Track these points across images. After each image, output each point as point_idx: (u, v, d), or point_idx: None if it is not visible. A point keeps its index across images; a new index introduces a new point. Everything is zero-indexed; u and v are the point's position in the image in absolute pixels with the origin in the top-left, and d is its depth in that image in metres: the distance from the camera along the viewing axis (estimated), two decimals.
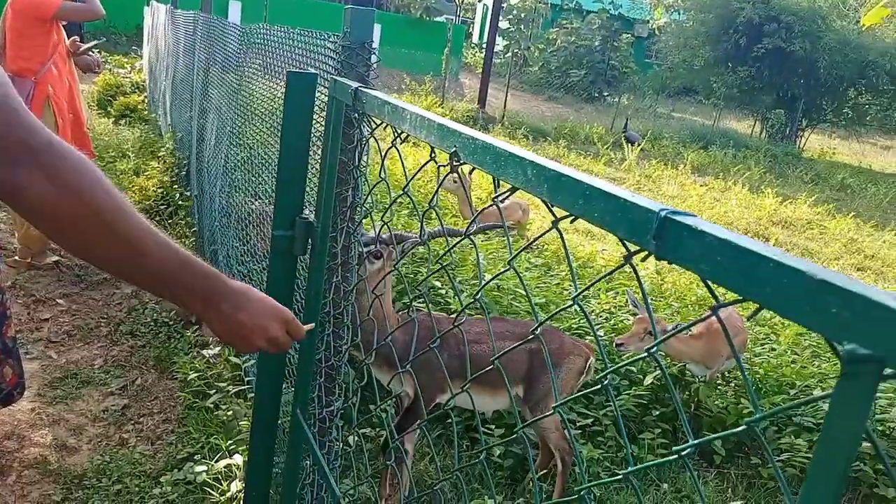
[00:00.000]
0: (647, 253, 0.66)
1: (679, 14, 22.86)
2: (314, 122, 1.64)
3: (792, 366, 3.55)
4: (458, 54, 22.32)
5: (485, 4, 30.49)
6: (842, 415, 0.49)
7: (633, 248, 0.69)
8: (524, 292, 3.55)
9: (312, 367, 1.68)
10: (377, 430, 2.68)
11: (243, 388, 2.39)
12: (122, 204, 0.95)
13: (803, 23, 17.77)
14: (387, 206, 1.25)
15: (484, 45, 22.28)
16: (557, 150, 12.84)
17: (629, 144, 13.91)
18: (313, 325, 1.46)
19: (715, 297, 0.62)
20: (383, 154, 1.25)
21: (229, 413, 2.40)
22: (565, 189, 0.77)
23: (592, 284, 0.85)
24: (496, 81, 18.24)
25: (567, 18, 25.96)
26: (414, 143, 1.04)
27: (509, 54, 24.02)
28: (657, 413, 3.21)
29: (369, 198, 1.46)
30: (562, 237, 0.82)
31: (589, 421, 3.07)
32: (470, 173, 5.13)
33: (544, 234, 0.86)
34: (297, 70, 2.10)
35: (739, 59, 19.12)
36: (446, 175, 1.01)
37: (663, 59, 23.58)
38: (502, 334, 2.64)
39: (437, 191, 1.07)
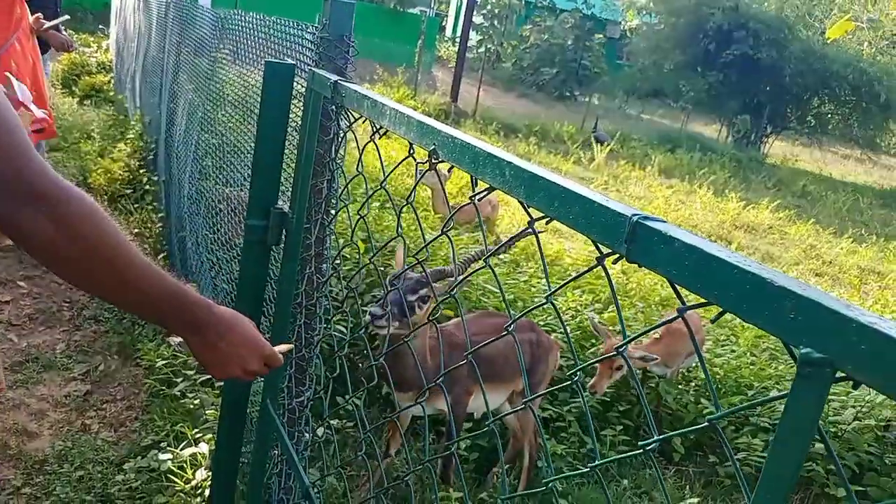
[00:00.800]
0: (618, 256, 0.69)
1: (651, 17, 23.12)
2: (290, 112, 1.64)
3: (750, 367, 3.66)
4: (431, 47, 22.29)
5: None
6: (796, 414, 0.53)
7: (605, 250, 0.72)
8: (494, 289, 3.59)
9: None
10: (344, 421, 2.69)
11: (209, 376, 2.38)
12: (123, 247, 0.95)
13: (770, 31, 18.14)
14: (363, 200, 1.26)
15: (457, 39, 22.30)
16: (528, 148, 12.93)
17: (598, 144, 14.07)
18: (292, 345, 1.47)
19: (681, 299, 0.66)
20: (361, 148, 1.27)
21: (196, 401, 2.39)
22: (542, 191, 0.79)
23: (565, 284, 0.88)
24: (469, 76, 18.24)
25: (540, 16, 26.08)
26: (390, 135, 1.06)
27: (482, 49, 24.08)
28: (620, 410, 3.28)
29: (346, 191, 1.47)
30: (537, 238, 0.84)
31: (551, 415, 3.12)
32: (449, 170, 5.15)
33: (520, 234, 0.89)
34: (275, 60, 2.10)
35: (708, 64, 19.44)
36: (424, 172, 1.03)
37: (634, 60, 23.83)
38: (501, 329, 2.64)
39: (414, 187, 1.09)
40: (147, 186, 4.64)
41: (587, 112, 18.06)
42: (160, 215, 4.23)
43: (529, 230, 0.85)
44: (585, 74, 24.35)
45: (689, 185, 12.07)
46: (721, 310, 0.59)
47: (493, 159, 0.88)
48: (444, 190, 5.23)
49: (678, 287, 0.64)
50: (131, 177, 4.74)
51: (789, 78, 18.18)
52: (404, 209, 1.16)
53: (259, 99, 1.60)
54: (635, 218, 0.67)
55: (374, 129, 1.22)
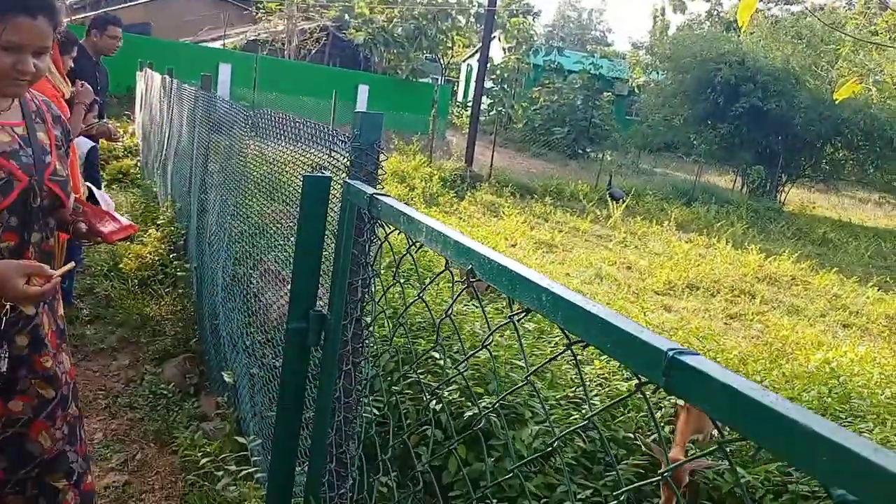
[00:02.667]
0: (656, 386, 0.75)
1: (657, 73, 23.58)
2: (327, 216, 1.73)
3: None
4: (444, 114, 22.82)
5: (469, 65, 31.30)
6: None
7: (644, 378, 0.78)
8: (521, 364, 3.61)
9: (324, 452, 1.74)
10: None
11: (249, 469, 2.42)
12: None
13: (778, 83, 18.42)
14: (401, 311, 1.33)
15: (469, 104, 22.80)
16: (544, 208, 13.06)
17: (614, 201, 14.20)
18: (71, 265, 1.84)
19: (721, 432, 0.71)
20: (398, 261, 1.34)
21: (235, 494, 2.41)
22: (580, 319, 0.85)
23: (606, 409, 0.93)
24: (482, 139, 18.61)
25: (549, 78, 26.72)
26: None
27: (493, 112, 24.61)
28: (657, 482, 3.25)
29: (384, 296, 1.54)
30: (576, 362, 0.90)
31: (588, 492, 3.10)
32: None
33: (559, 354, 0.95)
34: (301, 160, 2.21)
35: (718, 117, 19.70)
36: (462, 290, 1.10)
37: (644, 116, 24.20)
38: None
39: (452, 303, 1.15)
40: (178, 272, 4.76)
41: (600, 169, 18.27)
42: (192, 300, 4.33)
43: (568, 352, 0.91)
44: (596, 132, 24.76)
45: (707, 238, 12.09)
46: (758, 446, 0.64)
47: (530, 284, 0.94)
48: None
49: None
50: (162, 262, 4.88)
51: (801, 127, 18.34)
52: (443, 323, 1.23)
53: (285, 188, 1.69)
54: (671, 353, 0.72)
55: (411, 243, 1.29)
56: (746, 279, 9.31)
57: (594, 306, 0.85)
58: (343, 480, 1.89)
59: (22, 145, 1.78)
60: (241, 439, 2.66)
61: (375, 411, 2.88)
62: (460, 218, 10.35)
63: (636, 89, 27.90)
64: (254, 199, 3.00)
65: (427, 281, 1.24)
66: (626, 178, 18.74)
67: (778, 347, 5.61)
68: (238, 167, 3.25)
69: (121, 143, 4.55)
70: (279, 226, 2.47)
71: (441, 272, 1.21)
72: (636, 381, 0.79)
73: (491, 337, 1.07)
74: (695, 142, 21.42)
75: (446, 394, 3.15)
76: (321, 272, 1.71)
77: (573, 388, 3.58)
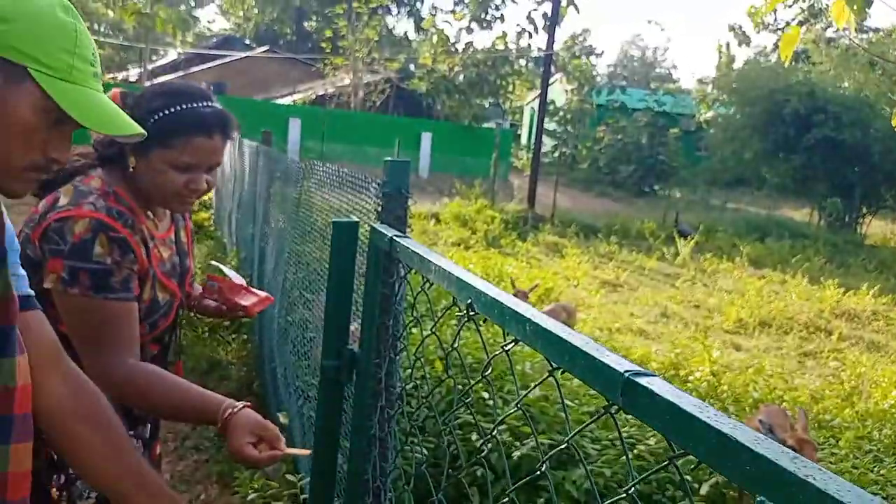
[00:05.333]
0: (617, 407, 0.79)
1: (725, 108, 23.20)
2: (357, 259, 1.83)
3: (853, 471, 3.46)
4: (506, 157, 23.02)
5: (532, 108, 31.61)
6: None
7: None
8: (571, 403, 3.59)
9: (361, 487, 1.80)
10: None
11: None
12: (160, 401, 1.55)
13: (851, 112, 17.84)
14: (417, 345, 1.40)
15: (532, 147, 22.98)
16: (609, 247, 12.93)
17: (682, 238, 13.92)
18: (309, 451, 1.66)
19: (672, 447, 0.74)
20: (414, 297, 1.42)
21: None
22: (554, 345, 0.90)
23: (579, 430, 0.96)
24: (546, 181, 18.67)
25: (613, 117, 26.66)
26: None
27: (557, 154, 24.67)
28: None
29: (405, 331, 1.62)
30: (558, 387, 0.94)
31: None
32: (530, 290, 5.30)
33: (542, 381, 1.00)
34: (346, 207, 2.34)
35: (790, 149, 19.17)
36: (463, 323, 1.16)
37: (713, 151, 23.77)
38: None
39: (458, 334, 1.22)
40: (243, 319, 4.97)
41: (668, 206, 18.00)
42: (256, 345, 4.52)
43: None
44: (663, 169, 24.44)
45: (781, 275, 11.69)
46: (697, 461, 0.68)
47: (517, 315, 1.00)
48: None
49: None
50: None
51: (879, 156, 17.65)
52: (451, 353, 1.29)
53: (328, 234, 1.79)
54: (627, 374, 0.77)
55: (424, 280, 1.37)
56: (823, 315, 8.94)
57: (568, 334, 0.90)
58: None
59: (175, 257, 1.80)
60: (291, 477, 2.76)
61: (424, 451, 2.93)
62: (519, 259, 10.37)
63: (703, 124, 27.49)
64: (303, 245, 3.15)
65: (438, 316, 1.31)
66: (696, 214, 18.39)
67: (853, 385, 5.36)
68: (291, 215, 3.42)
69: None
70: (323, 270, 2.59)
71: (448, 307, 1.27)
72: (603, 406, 0.83)
73: (489, 367, 1.12)
74: (766, 175, 20.87)
75: (496, 433, 3.17)
76: (353, 312, 1.80)
77: (627, 429, 3.53)
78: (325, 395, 1.78)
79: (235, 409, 1.51)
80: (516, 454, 3.06)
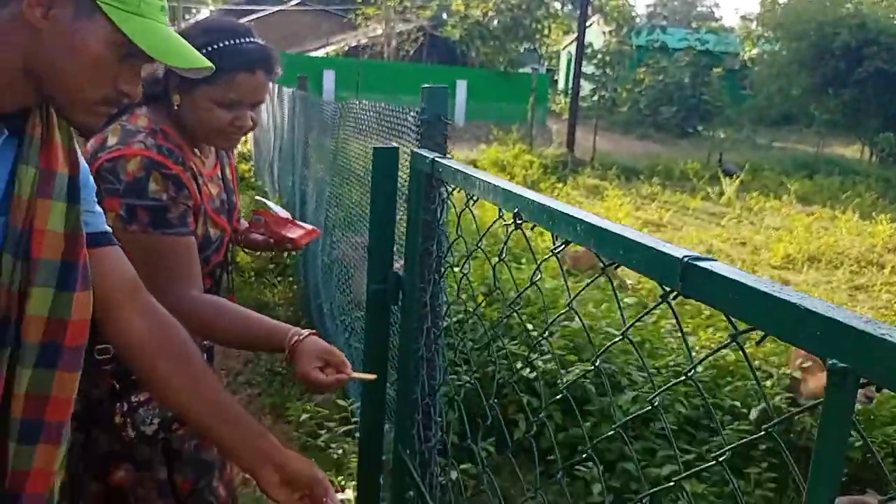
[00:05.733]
0: (676, 293, 0.77)
1: (771, 44, 22.28)
2: (400, 185, 1.82)
3: None
4: (543, 102, 22.58)
5: (569, 52, 30.83)
6: (831, 416, 0.59)
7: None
8: (616, 332, 3.58)
9: (410, 406, 1.83)
10: (479, 468, 2.78)
11: (351, 427, 2.58)
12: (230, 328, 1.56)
13: None
14: (464, 260, 1.39)
15: (569, 92, 22.50)
16: (651, 189, 12.68)
17: (727, 177, 13.58)
18: (374, 375, 1.69)
19: (734, 325, 0.72)
20: (458, 214, 1.41)
21: (340, 451, 2.57)
22: (609, 241, 0.89)
23: (635, 321, 0.95)
24: (584, 125, 18.30)
25: (654, 58, 25.82)
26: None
27: (596, 97, 24.11)
28: (763, 448, 3.15)
29: (450, 252, 1.61)
30: (612, 284, 0.93)
31: (692, 456, 3.06)
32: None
33: (595, 278, 0.98)
34: (383, 143, 2.32)
35: (840, 84, 18.41)
36: (511, 232, 1.15)
37: (758, 89, 22.95)
38: None
39: (504, 244, 1.20)
40: (287, 261, 5.06)
41: (712, 147, 17.52)
42: (301, 285, 4.60)
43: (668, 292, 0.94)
44: (707, 109, 23.69)
45: (831, 211, 11.36)
46: (763, 333, 0.66)
47: (567, 217, 0.98)
48: None
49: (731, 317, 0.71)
50: (273, 253, 5.19)
51: None
52: (499, 266, 1.28)
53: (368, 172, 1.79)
54: (686, 259, 0.75)
55: (468, 197, 1.35)
56: (875, 250, 8.68)
57: (621, 228, 0.88)
58: (430, 435, 1.98)
59: (223, 193, 1.81)
60: (342, 402, 2.82)
61: (469, 380, 2.97)
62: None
63: (748, 63, 26.48)
64: (344, 186, 3.15)
65: (483, 232, 1.30)
66: (741, 153, 17.87)
67: None
68: (330, 157, 3.43)
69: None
70: (365, 207, 2.60)
71: (495, 221, 1.26)
72: (661, 294, 0.81)
73: (539, 275, 1.11)
74: (815, 112, 20.11)
75: (540, 363, 3.19)
76: (397, 238, 1.81)
77: (673, 357, 3.52)
78: (373, 319, 1.80)
79: (301, 337, 1.53)
80: (563, 380, 3.08)
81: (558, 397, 1.28)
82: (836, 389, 0.58)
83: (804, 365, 3.38)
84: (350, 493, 2.48)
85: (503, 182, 1.19)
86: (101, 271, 1.12)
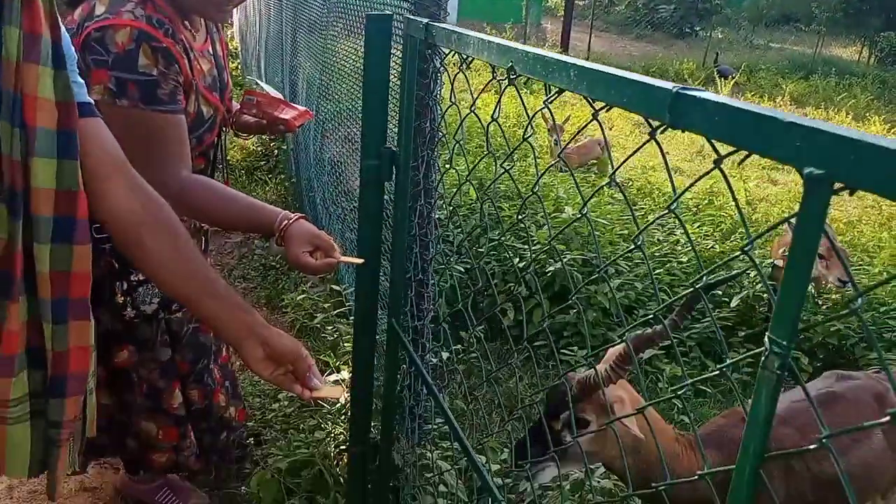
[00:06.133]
0: (665, 125, 0.79)
1: None
2: (392, 61, 1.80)
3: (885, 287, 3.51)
4: (538, 0, 21.84)
5: None
6: (807, 222, 0.62)
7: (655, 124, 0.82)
8: (605, 223, 3.64)
9: (403, 281, 1.88)
10: (469, 353, 2.89)
11: (345, 310, 2.65)
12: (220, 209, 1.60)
13: None
14: (456, 127, 1.40)
15: None
16: None
17: (722, 79, 13.38)
18: (363, 259, 1.73)
19: (717, 151, 0.75)
20: (452, 78, 1.40)
21: (335, 334, 2.66)
22: (600, 82, 0.90)
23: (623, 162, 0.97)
24: (581, 24, 17.77)
25: None
26: (488, 91, 1.20)
27: None
28: (742, 334, 3.27)
29: (443, 121, 1.62)
30: (602, 129, 0.95)
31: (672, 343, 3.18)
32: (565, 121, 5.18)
33: (586, 125, 1.00)
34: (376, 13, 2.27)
35: None
36: (505, 87, 1.16)
37: None
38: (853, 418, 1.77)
39: (499, 101, 1.21)
40: (278, 157, 5.03)
41: (708, 47, 17.13)
42: (292, 180, 4.59)
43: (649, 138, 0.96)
44: (706, 7, 23.02)
45: (825, 112, 11.28)
46: (746, 153, 0.69)
47: (560, 64, 0.99)
48: (558, 138, 5.28)
49: (714, 143, 0.74)
50: (264, 150, 5.15)
51: None
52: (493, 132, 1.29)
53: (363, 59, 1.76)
54: (675, 90, 0.76)
55: (462, 60, 1.35)
56: None
57: (610, 70, 0.89)
58: (422, 309, 2.05)
59: (214, 70, 1.77)
60: (336, 286, 2.88)
61: (461, 269, 3.03)
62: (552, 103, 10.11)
63: None
64: (335, 75, 3.10)
65: (479, 91, 1.30)
66: (738, 54, 17.51)
67: (891, 213, 5.31)
68: (320, 44, 3.35)
69: None
70: (356, 98, 2.56)
71: (490, 80, 1.26)
72: (650, 129, 0.83)
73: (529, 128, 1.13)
74: (815, 10, 19.56)
75: (530, 253, 3.25)
76: (390, 114, 1.80)
77: (660, 248, 3.59)
78: (367, 196, 1.81)
79: (291, 220, 1.55)
80: (550, 269, 3.16)
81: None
82: (812, 196, 0.61)
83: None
84: (345, 374, 2.58)
85: (495, 38, 1.19)
86: (85, 144, 1.09)
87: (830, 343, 3.20)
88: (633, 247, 0.95)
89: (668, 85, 0.78)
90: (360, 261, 1.75)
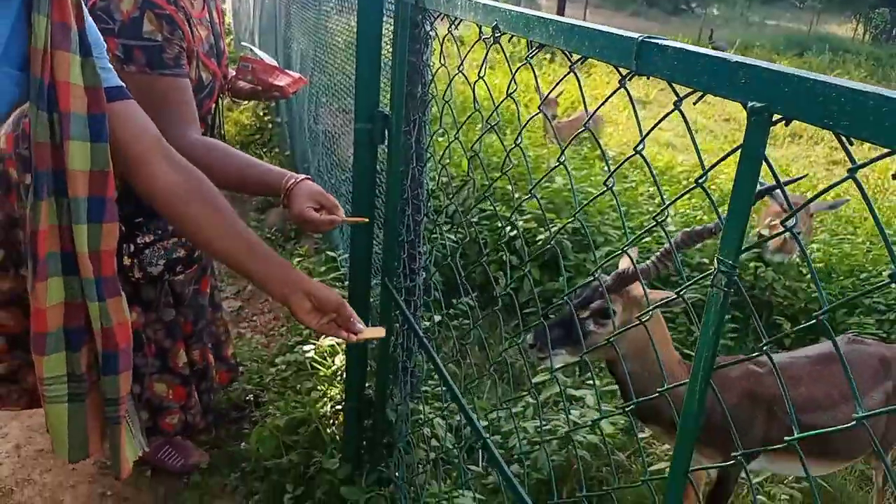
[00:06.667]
0: (632, 72, 0.86)
1: None
2: (384, 28, 1.86)
3: (866, 254, 3.60)
4: None
5: None
6: (749, 151, 0.69)
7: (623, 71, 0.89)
8: (593, 191, 3.71)
9: (396, 243, 1.95)
10: (461, 320, 2.97)
11: (340, 274, 2.72)
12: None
13: None
14: (446, 86, 1.46)
15: None
16: None
17: None
18: (367, 219, 1.80)
19: (677, 94, 0.82)
20: (441, 40, 1.47)
21: None
22: (576, 35, 0.97)
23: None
24: (578, 0, 17.70)
25: None
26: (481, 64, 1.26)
27: None
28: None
29: (433, 84, 1.68)
30: (579, 82, 1.02)
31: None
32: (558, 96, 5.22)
33: (564, 76, 1.07)
34: None
35: None
36: (490, 46, 1.22)
37: None
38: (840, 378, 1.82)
39: (484, 59, 1.27)
40: (273, 130, 5.07)
41: (703, 23, 17.11)
42: (286, 154, 4.64)
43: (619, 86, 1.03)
44: None
45: None
46: (701, 92, 0.76)
47: (541, 20, 1.05)
48: (552, 125, 5.32)
49: (675, 85, 0.81)
50: (258, 124, 5.19)
51: None
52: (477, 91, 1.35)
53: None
54: (640, 38, 0.83)
55: (451, 23, 1.41)
56: None
57: (584, 23, 0.96)
58: (414, 274, 2.12)
59: (212, 37, 1.82)
60: (331, 252, 2.95)
61: (453, 239, 3.10)
62: (544, 79, 10.14)
63: None
64: (328, 48, 3.14)
65: (467, 51, 1.36)
66: (733, 30, 17.48)
67: (878, 184, 5.39)
68: (313, 17, 3.39)
69: None
70: (349, 72, 2.61)
71: (477, 41, 1.32)
72: (619, 78, 0.90)
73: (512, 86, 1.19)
74: None
75: (521, 222, 3.32)
76: (381, 78, 1.86)
77: (648, 216, 3.66)
78: (360, 158, 1.88)
79: (298, 180, 1.59)
80: (540, 238, 3.23)
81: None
82: (754, 127, 0.68)
83: (772, 223, 3.54)
84: None
85: (483, 0, 1.25)
86: (118, 126, 1.15)
87: (812, 308, 3.30)
88: (617, 217, 1.02)
89: (634, 34, 0.85)
90: (365, 220, 1.80)
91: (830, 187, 0.69)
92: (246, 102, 5.57)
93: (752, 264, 3.56)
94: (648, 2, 23.13)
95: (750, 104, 0.67)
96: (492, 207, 3.42)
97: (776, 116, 0.67)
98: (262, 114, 5.28)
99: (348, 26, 2.77)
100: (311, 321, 1.28)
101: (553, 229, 3.28)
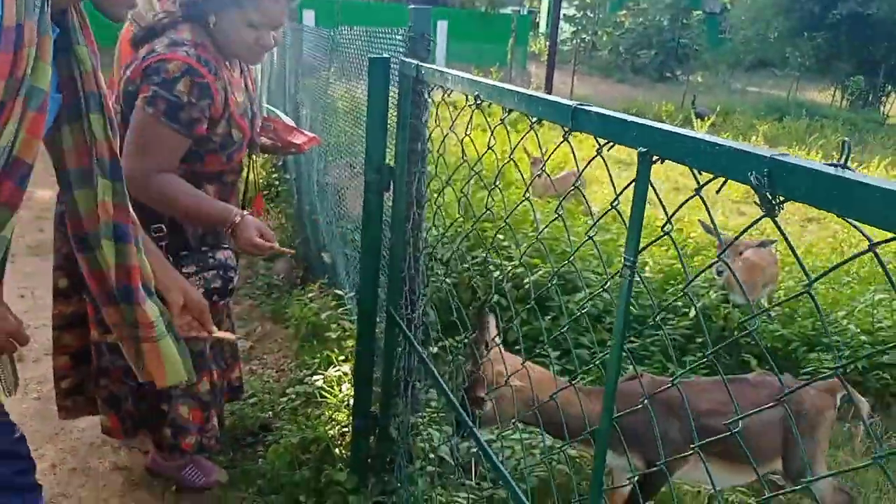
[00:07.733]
0: (568, 129, 1.21)
1: None
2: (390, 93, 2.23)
3: (824, 296, 3.94)
4: (523, 44, 22.68)
5: None
6: (641, 178, 1.04)
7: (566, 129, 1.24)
8: (576, 239, 4.06)
9: (398, 276, 2.28)
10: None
11: (345, 309, 3.03)
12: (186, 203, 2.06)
13: None
14: (439, 144, 1.82)
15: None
16: None
17: (699, 120, 14.02)
18: (294, 250, 2.26)
19: (599, 143, 1.16)
20: (436, 106, 1.84)
21: (338, 332, 3.04)
22: (532, 103, 1.33)
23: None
24: (564, 68, 18.51)
25: (634, 0, 25.88)
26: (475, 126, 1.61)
27: (576, 41, 24.20)
28: (700, 340, 3.67)
29: (429, 142, 2.05)
30: (536, 135, 1.37)
31: (636, 345, 3.57)
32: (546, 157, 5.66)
33: (528, 131, 1.43)
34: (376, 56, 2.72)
35: (815, 27, 18.75)
36: (474, 110, 1.58)
37: (735, 33, 23.20)
38: (746, 398, 2.20)
39: (469, 122, 1.64)
40: (280, 187, 5.46)
41: (687, 90, 17.88)
42: (293, 209, 5.01)
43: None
44: (685, 53, 23.96)
45: (797, 152, 11.86)
46: (611, 144, 1.10)
47: (508, 91, 1.42)
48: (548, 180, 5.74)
49: (599, 139, 1.16)
50: (267, 181, 5.58)
51: None
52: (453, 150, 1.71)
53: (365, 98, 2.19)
54: (574, 105, 1.19)
55: (443, 92, 1.78)
56: None
57: (538, 94, 1.32)
58: (414, 305, 2.44)
59: (247, 101, 2.20)
60: (338, 291, 3.28)
61: (448, 281, 3.43)
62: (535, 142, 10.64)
63: (728, 5, 26.64)
64: (337, 115, 3.54)
65: (455, 116, 1.72)
66: (716, 97, 18.26)
67: (852, 243, 5.77)
68: (322, 85, 3.81)
69: None
70: (357, 131, 2.99)
71: (464, 107, 1.68)
72: (563, 132, 1.26)
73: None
74: (790, 56, 20.48)
75: (509, 267, 3.67)
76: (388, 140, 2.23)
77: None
78: (369, 202, 2.23)
79: (244, 214, 2.06)
80: (528, 281, 3.56)
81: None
82: (642, 164, 1.03)
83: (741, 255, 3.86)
84: (348, 367, 2.95)
85: (467, 75, 1.62)
86: None
87: (776, 346, 3.61)
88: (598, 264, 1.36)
89: (570, 102, 1.21)
90: (293, 251, 2.26)
91: (750, 226, 1.01)
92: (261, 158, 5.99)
93: (721, 307, 3.89)
94: (634, 69, 24.09)
95: (640, 149, 1.02)
96: (483, 254, 3.77)
97: (655, 157, 1.01)
98: (269, 172, 5.68)
99: (352, 96, 3.17)
100: (178, 318, 1.68)
101: (538, 274, 3.62)
